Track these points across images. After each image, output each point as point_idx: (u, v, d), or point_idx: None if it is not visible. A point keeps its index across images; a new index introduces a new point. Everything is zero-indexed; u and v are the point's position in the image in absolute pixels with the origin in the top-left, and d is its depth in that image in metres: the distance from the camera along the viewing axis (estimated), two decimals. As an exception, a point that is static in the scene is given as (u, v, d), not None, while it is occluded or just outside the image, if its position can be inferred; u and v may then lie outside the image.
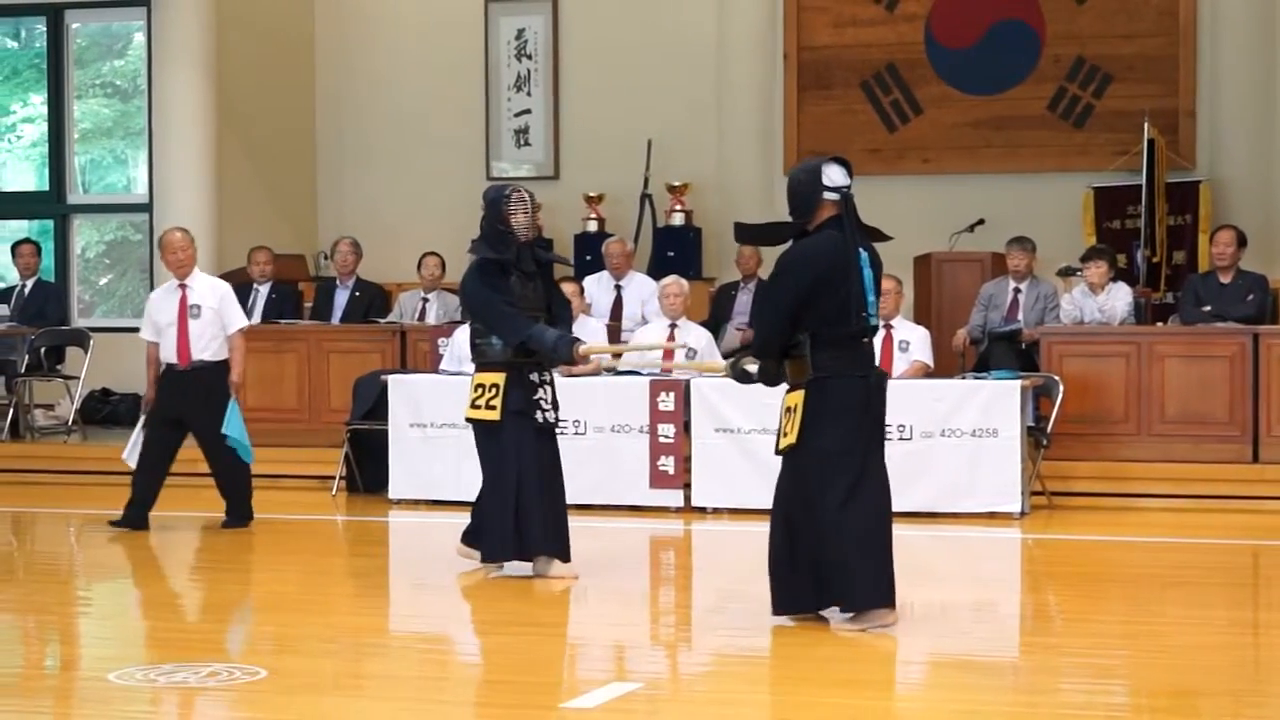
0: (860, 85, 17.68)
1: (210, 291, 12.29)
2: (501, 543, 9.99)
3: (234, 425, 12.00)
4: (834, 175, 8.43)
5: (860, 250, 8.39)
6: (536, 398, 9.93)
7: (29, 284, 16.59)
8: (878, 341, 13.24)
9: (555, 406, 10.05)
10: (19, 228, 18.76)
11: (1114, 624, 9.05)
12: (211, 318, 12.16)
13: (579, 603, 9.62)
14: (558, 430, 10.15)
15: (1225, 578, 10.65)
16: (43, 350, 16.14)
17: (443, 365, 13.74)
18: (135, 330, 17.66)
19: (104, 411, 17.15)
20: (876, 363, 8.68)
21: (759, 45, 17.82)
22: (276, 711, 7.06)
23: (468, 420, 10.08)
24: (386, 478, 13.45)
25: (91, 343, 16.04)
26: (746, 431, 12.67)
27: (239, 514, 12.23)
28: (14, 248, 17.06)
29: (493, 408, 9.88)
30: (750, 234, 9.38)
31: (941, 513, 12.39)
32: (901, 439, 12.40)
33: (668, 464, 12.86)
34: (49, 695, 7.47)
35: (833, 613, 8.51)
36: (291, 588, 10.23)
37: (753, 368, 8.69)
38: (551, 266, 10.84)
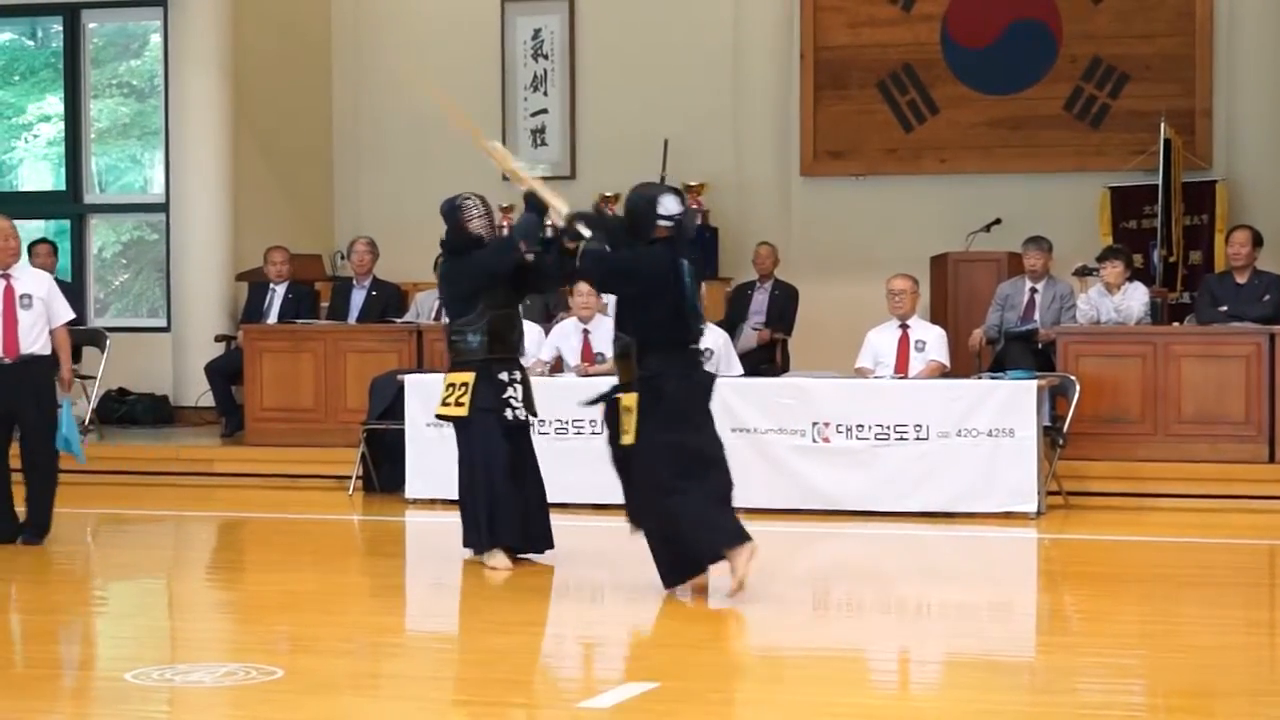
0: (877, 85, 17.67)
1: (38, 282, 11.47)
2: (476, 532, 10.32)
3: (66, 425, 11.36)
4: (669, 205, 9.19)
5: (683, 263, 9.12)
6: (506, 396, 10.21)
7: (45, 283, 16.57)
8: (895, 340, 13.35)
9: (528, 404, 10.32)
10: (36, 227, 18.74)
11: (1131, 624, 9.04)
12: (41, 309, 11.34)
13: (595, 603, 9.64)
14: (532, 427, 10.52)
15: (1242, 577, 10.63)
16: (59, 350, 16.10)
17: (459, 365, 13.74)
18: (153, 330, 17.90)
19: (121, 411, 17.15)
20: (705, 366, 9.48)
21: (775, 45, 17.82)
22: (293, 711, 7.07)
23: (438, 418, 10.45)
24: (403, 477, 13.46)
25: (108, 342, 16.01)
26: (763, 431, 12.65)
27: (39, 526, 11.43)
28: (30, 247, 17.05)
29: (461, 405, 10.20)
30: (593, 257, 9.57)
31: (957, 513, 12.38)
32: (918, 439, 12.42)
33: (684, 464, 12.83)
34: (65, 695, 7.47)
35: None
36: (308, 587, 10.23)
37: (586, 233, 9.37)
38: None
